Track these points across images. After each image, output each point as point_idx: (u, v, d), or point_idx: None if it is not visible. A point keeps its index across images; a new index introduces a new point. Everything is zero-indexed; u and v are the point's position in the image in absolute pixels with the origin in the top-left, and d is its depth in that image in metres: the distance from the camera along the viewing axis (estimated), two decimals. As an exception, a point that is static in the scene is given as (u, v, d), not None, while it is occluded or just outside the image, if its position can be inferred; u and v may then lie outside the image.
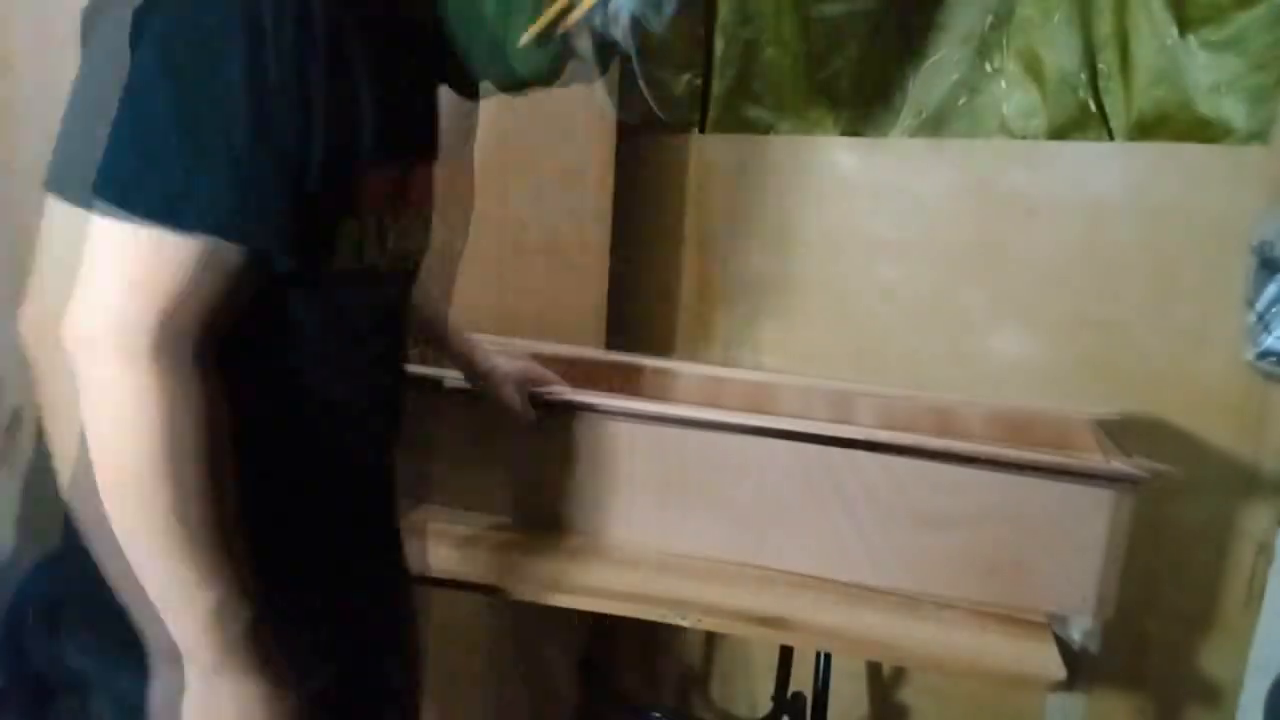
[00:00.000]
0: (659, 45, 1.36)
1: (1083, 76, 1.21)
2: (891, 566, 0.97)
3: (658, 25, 0.63)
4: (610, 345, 1.44)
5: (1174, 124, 1.19)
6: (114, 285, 0.53)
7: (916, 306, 1.32)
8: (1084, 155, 1.24)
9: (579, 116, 1.37)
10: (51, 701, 0.63)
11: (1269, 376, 1.15)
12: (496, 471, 1.06)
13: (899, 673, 1.43)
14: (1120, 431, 1.02)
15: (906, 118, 1.30)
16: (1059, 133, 1.24)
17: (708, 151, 1.39)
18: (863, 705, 1.45)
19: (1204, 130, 1.17)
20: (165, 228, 0.52)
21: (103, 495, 0.54)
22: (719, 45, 1.35)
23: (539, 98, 1.43)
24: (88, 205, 0.53)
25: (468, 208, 0.82)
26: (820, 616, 0.94)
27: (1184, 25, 1.15)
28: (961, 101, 1.27)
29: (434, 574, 1.04)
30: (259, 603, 0.58)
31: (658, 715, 1.42)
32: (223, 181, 0.53)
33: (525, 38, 0.62)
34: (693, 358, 1.41)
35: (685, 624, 0.94)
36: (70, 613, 0.61)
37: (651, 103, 0.72)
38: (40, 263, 0.59)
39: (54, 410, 0.56)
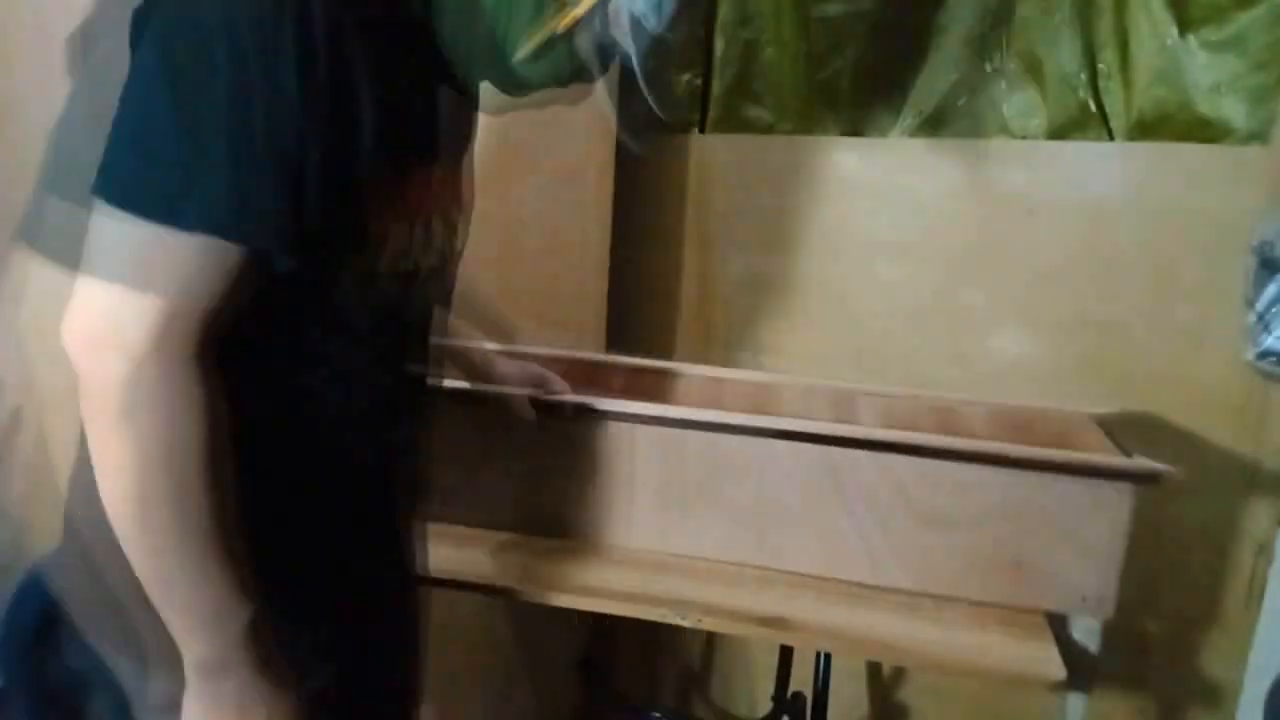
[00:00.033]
0: (659, 45, 1.35)
1: (1083, 76, 1.21)
2: (892, 566, 0.97)
3: (658, 25, 0.63)
4: (610, 345, 1.44)
5: (1174, 124, 1.19)
6: (113, 286, 0.53)
7: (916, 306, 1.32)
8: (1084, 155, 1.24)
9: (579, 116, 1.37)
10: (52, 702, 0.63)
11: (1269, 376, 1.15)
12: (496, 473, 1.06)
13: (899, 673, 1.43)
14: (1119, 430, 1.03)
15: (906, 118, 1.30)
16: (1059, 133, 1.24)
17: (708, 151, 1.39)
18: (863, 705, 1.45)
19: (1204, 130, 1.17)
20: (165, 227, 0.52)
21: (103, 495, 0.54)
22: (719, 45, 1.35)
23: (537, 97, 1.43)
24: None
25: (468, 211, 0.81)
26: (820, 616, 0.94)
27: (1184, 25, 1.15)
28: (961, 101, 1.27)
29: (434, 574, 1.04)
30: (259, 602, 0.58)
31: (658, 715, 1.41)
32: (222, 181, 0.52)
33: (529, 44, 0.61)
34: (693, 358, 1.41)
35: (685, 624, 0.94)
36: (70, 612, 0.61)
37: (652, 103, 0.71)
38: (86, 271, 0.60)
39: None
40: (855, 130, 1.32)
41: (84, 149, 0.56)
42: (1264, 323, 1.12)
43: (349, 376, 0.65)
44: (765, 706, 1.34)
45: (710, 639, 1.50)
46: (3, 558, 0.79)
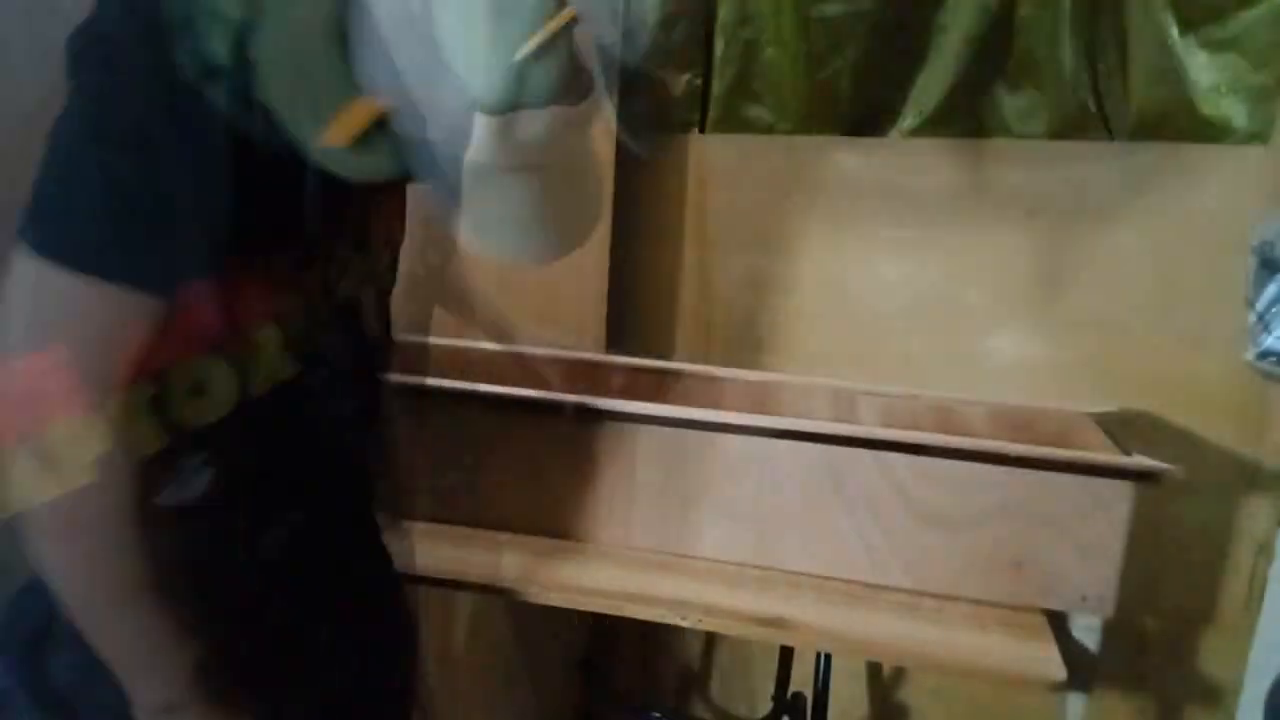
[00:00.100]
0: (659, 46, 1.36)
1: (1083, 76, 1.21)
2: (892, 566, 0.97)
3: (638, 50, 0.60)
4: (610, 346, 1.43)
5: (1174, 124, 1.19)
6: (34, 332, 0.52)
7: (916, 306, 1.32)
8: (1084, 155, 1.24)
9: (579, 116, 1.37)
10: (54, 703, 0.63)
11: (1269, 376, 1.15)
12: (497, 473, 1.06)
13: (899, 673, 1.43)
14: (1117, 429, 1.03)
15: (906, 118, 1.30)
16: (1059, 133, 1.24)
17: (708, 151, 1.39)
18: (863, 705, 1.45)
19: (1204, 130, 1.17)
20: (82, 275, 0.51)
21: (32, 543, 0.54)
22: (719, 45, 1.35)
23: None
24: None
25: (395, 242, 0.80)
26: (820, 616, 0.94)
27: (1184, 25, 1.15)
28: (961, 102, 1.27)
29: (434, 574, 1.04)
30: (207, 637, 0.57)
31: (658, 715, 1.42)
32: (137, 231, 0.52)
33: (335, 135, 0.55)
34: (693, 358, 1.41)
35: (685, 624, 0.94)
36: (58, 628, 0.61)
37: (627, 141, 0.68)
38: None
39: None
40: (855, 130, 1.32)
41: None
42: (1264, 323, 1.12)
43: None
44: (765, 706, 1.34)
45: (710, 639, 1.50)
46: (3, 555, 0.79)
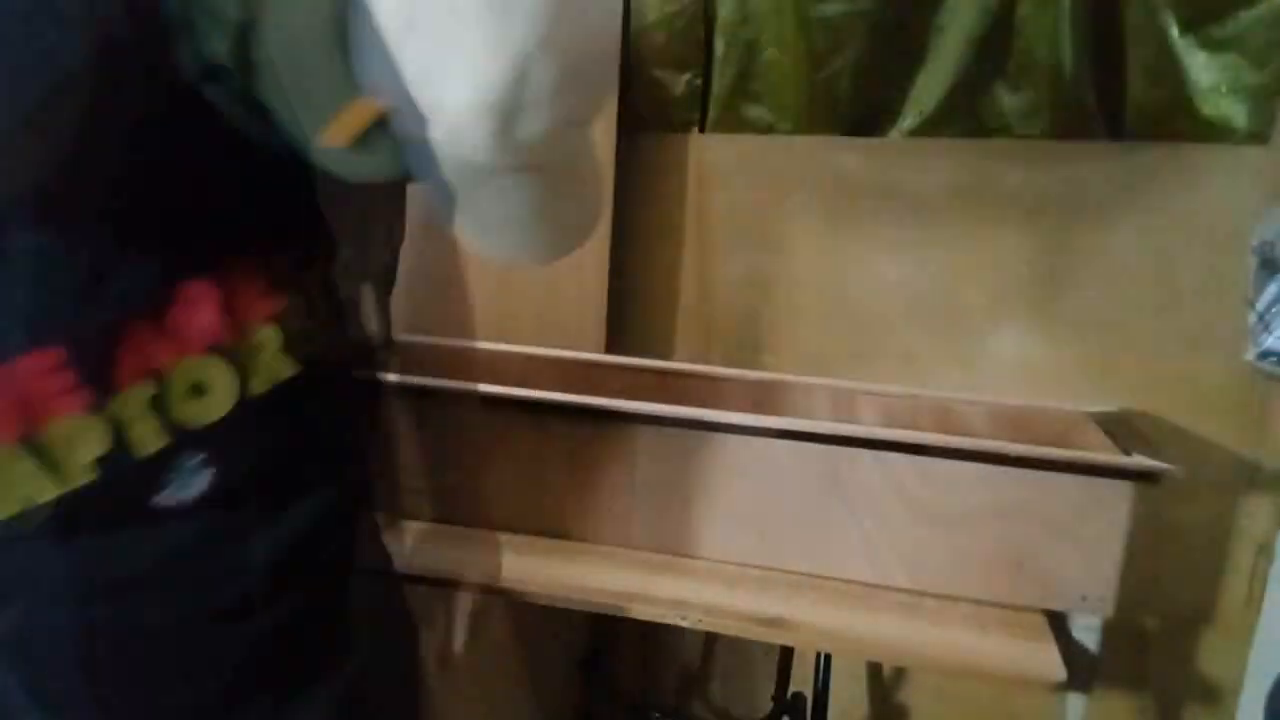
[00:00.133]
0: (661, 45, 1.36)
1: (1083, 76, 1.21)
2: (892, 566, 0.97)
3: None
4: (610, 346, 1.44)
5: (1174, 124, 1.18)
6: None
7: (916, 306, 1.32)
8: (1083, 155, 1.24)
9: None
10: None
11: (1270, 376, 1.15)
12: (497, 473, 1.06)
13: (899, 673, 1.43)
14: (1117, 429, 1.03)
15: (906, 118, 1.30)
16: (1058, 133, 1.24)
17: (708, 151, 1.39)
18: (863, 705, 1.45)
19: (1204, 130, 1.17)
20: None
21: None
22: (719, 45, 1.35)
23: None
24: None
25: (396, 243, 0.79)
26: (820, 616, 0.94)
27: (1184, 25, 1.15)
28: (961, 102, 1.27)
29: (434, 574, 1.04)
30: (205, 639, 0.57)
31: (658, 715, 1.42)
32: None
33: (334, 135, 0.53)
34: (693, 358, 1.41)
35: (685, 624, 0.94)
36: None
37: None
38: None
39: None
40: (855, 130, 1.32)
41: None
42: (1264, 323, 1.12)
43: None
44: (765, 706, 1.34)
45: (710, 639, 1.50)
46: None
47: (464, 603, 1.59)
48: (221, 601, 0.59)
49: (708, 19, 1.35)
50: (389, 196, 0.71)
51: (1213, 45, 1.15)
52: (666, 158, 1.41)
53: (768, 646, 1.37)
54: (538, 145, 0.51)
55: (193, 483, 0.58)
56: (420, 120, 0.51)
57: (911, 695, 1.43)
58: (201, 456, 0.59)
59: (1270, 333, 1.11)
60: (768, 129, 1.37)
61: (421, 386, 1.06)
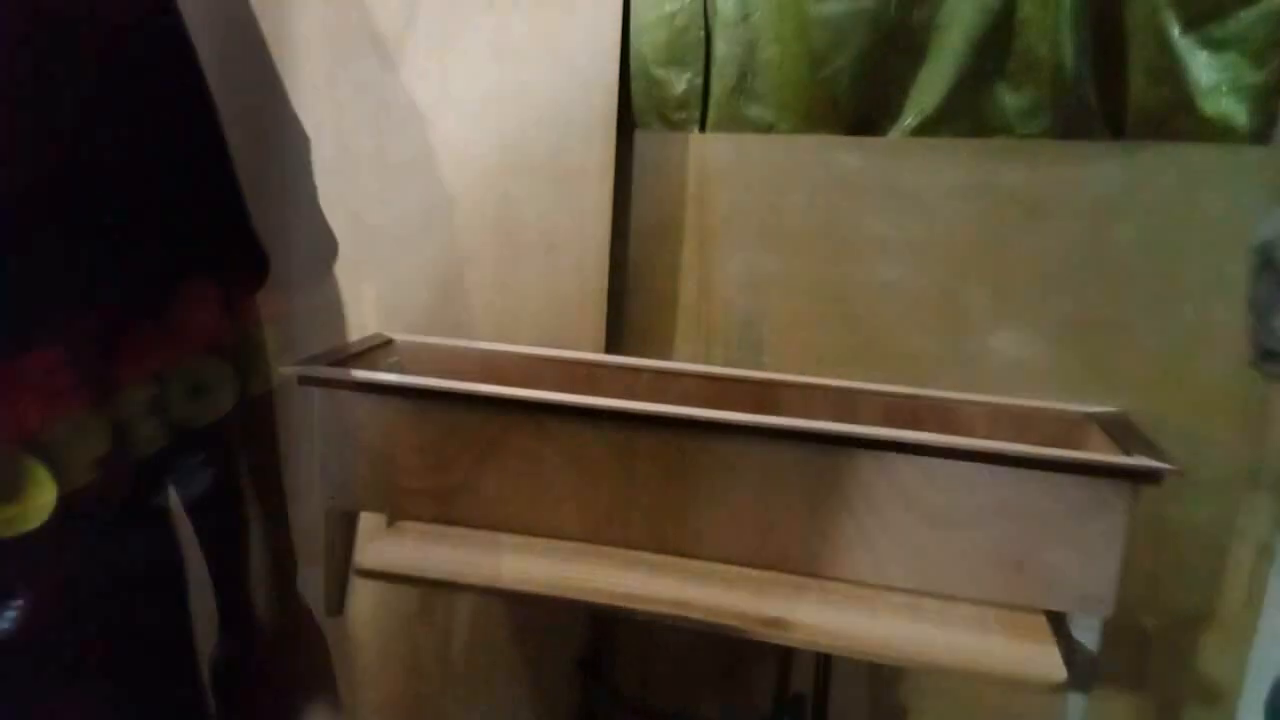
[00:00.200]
0: (661, 45, 1.36)
1: (1084, 76, 1.21)
2: (893, 566, 0.97)
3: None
4: (610, 345, 1.44)
5: (1174, 124, 1.18)
6: None
7: (917, 306, 1.32)
8: (1084, 155, 1.24)
9: (579, 116, 1.37)
10: None
11: (1269, 377, 1.15)
12: (497, 474, 1.06)
13: (899, 673, 1.43)
14: (1117, 428, 1.03)
15: (906, 118, 1.30)
16: (1059, 133, 1.24)
17: (708, 151, 1.39)
18: (863, 705, 1.44)
19: (1204, 130, 1.17)
20: None
21: None
22: (719, 45, 1.35)
23: (536, 97, 1.44)
24: None
25: None
26: (820, 617, 0.94)
27: (1185, 24, 1.15)
28: (961, 101, 1.27)
29: (435, 574, 1.04)
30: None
31: (658, 715, 1.41)
32: None
33: None
34: (693, 358, 1.41)
35: (685, 624, 0.94)
36: None
37: None
38: None
39: None
40: (855, 130, 1.32)
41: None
42: (1264, 323, 1.12)
43: None
44: (765, 706, 1.34)
45: (710, 639, 1.50)
46: None
47: (464, 603, 1.59)
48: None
49: (707, 18, 1.35)
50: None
51: (1214, 44, 1.15)
52: (666, 158, 1.41)
53: (768, 646, 1.37)
54: None
55: (194, 482, 0.58)
56: None
57: (911, 695, 1.43)
58: (202, 456, 0.59)
59: (1271, 333, 1.11)
60: (768, 129, 1.37)
61: (421, 386, 1.06)
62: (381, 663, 1.64)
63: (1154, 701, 1.31)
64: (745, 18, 1.33)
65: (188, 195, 0.56)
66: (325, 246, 1.51)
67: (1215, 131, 1.17)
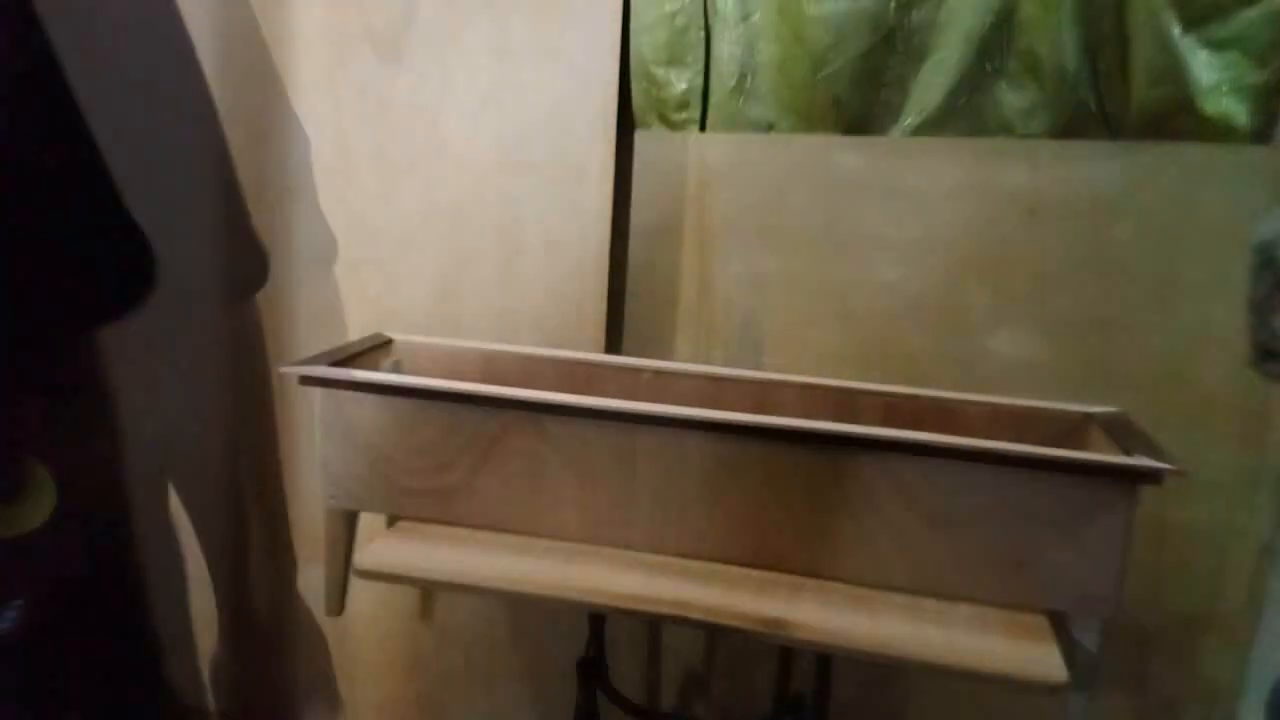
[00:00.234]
0: (660, 45, 1.36)
1: (1083, 76, 1.21)
2: (893, 566, 0.97)
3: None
4: (610, 346, 1.44)
5: (1174, 124, 1.18)
6: None
7: (917, 306, 1.32)
8: (1084, 155, 1.24)
9: (579, 116, 1.37)
10: None
11: (1270, 377, 1.15)
12: (496, 473, 1.06)
13: (899, 673, 1.43)
14: (1117, 428, 1.03)
15: (906, 117, 1.30)
16: (1059, 133, 1.24)
17: (708, 151, 1.39)
18: (863, 705, 1.44)
19: (1204, 130, 1.17)
20: None
21: None
22: (719, 45, 1.35)
23: (536, 97, 1.44)
24: None
25: None
26: (820, 617, 0.93)
27: (1185, 24, 1.15)
28: (961, 101, 1.27)
29: (435, 574, 1.04)
30: None
31: (658, 715, 1.41)
32: None
33: None
34: (693, 358, 1.41)
35: (685, 624, 0.94)
36: None
37: None
38: None
39: None
40: (855, 129, 1.32)
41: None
42: (1264, 323, 1.12)
43: None
44: (765, 706, 1.34)
45: (710, 639, 1.50)
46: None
47: (464, 603, 1.59)
48: None
49: (707, 18, 1.35)
50: None
51: (1214, 44, 1.15)
52: (666, 158, 1.41)
53: (768, 646, 1.37)
54: None
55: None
56: None
57: (911, 695, 1.43)
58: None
59: (1271, 333, 1.11)
60: (768, 129, 1.36)
61: (421, 387, 1.06)
62: (381, 663, 1.64)
63: (1154, 701, 1.31)
64: (745, 18, 1.33)
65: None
66: (325, 246, 1.51)
67: (1215, 131, 1.17)
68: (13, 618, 0.55)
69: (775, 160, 1.36)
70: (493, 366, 1.27)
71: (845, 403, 1.16)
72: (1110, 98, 1.21)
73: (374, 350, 1.26)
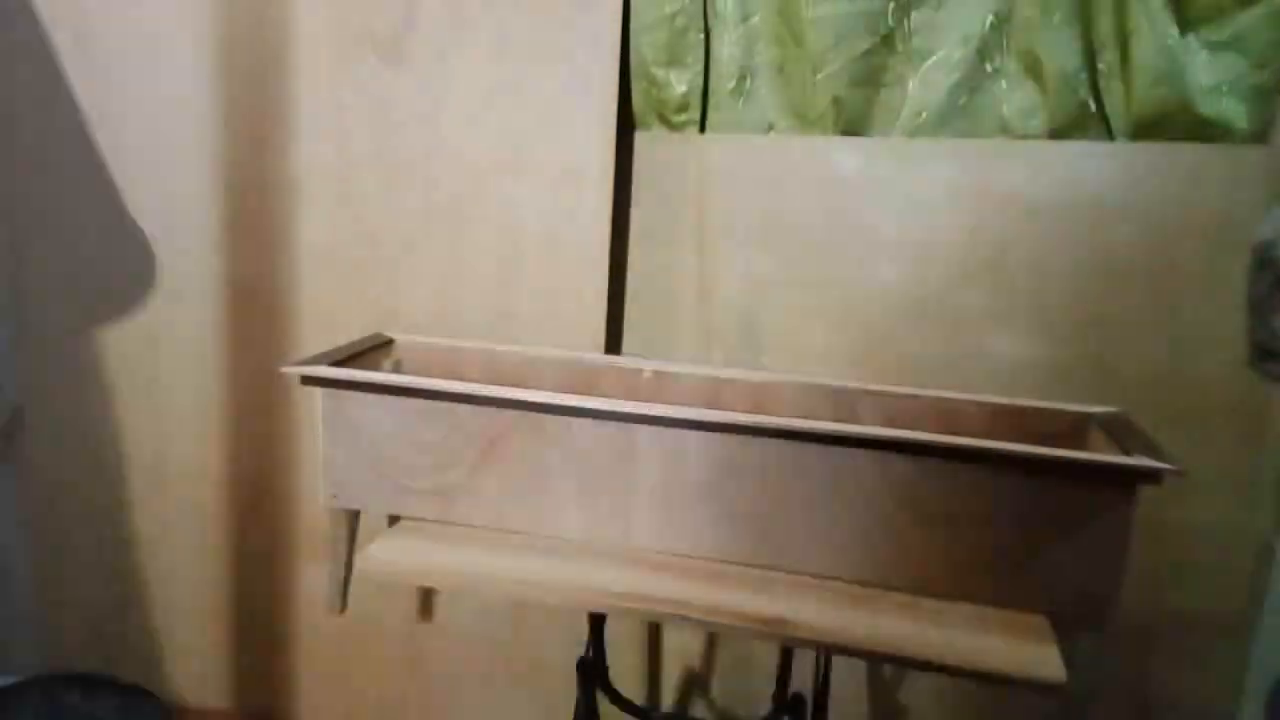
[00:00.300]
0: (661, 45, 1.36)
1: (1083, 76, 1.21)
2: (892, 566, 0.97)
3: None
4: (610, 346, 1.44)
5: (1174, 124, 1.19)
6: None
7: (916, 306, 1.32)
8: (1084, 155, 1.24)
9: (579, 116, 1.37)
10: None
11: (1269, 377, 1.15)
12: (496, 473, 1.06)
13: (899, 673, 1.43)
14: (1117, 428, 1.03)
15: (906, 118, 1.30)
16: (1059, 133, 1.24)
17: (707, 152, 1.39)
18: (863, 705, 1.45)
19: (1204, 130, 1.17)
20: None
21: None
22: (719, 46, 1.35)
23: (536, 97, 1.44)
24: None
25: None
26: (820, 617, 0.94)
27: (1184, 25, 1.15)
28: (961, 101, 1.27)
29: (435, 574, 1.04)
30: None
31: (658, 715, 1.41)
32: None
33: None
34: (693, 358, 1.41)
35: (685, 624, 0.94)
36: None
37: None
38: None
39: None
40: (855, 130, 1.32)
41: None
42: (1263, 323, 1.12)
43: None
44: (765, 706, 1.34)
45: (710, 639, 1.50)
46: (3, 557, 0.78)
47: (464, 603, 1.59)
48: None
49: (707, 19, 1.35)
50: None
51: (1213, 45, 1.15)
52: (666, 158, 1.41)
53: (768, 646, 1.37)
54: None
55: None
56: None
57: (911, 695, 1.43)
58: None
59: (1270, 333, 1.11)
60: (767, 129, 1.37)
61: (421, 387, 1.06)
62: (381, 663, 1.64)
63: (1154, 701, 1.31)
64: (745, 19, 1.33)
65: None
66: (326, 247, 1.51)
67: (1215, 131, 1.17)
68: None
69: (775, 160, 1.36)
70: (493, 366, 1.27)
71: (845, 403, 1.16)
72: (1110, 98, 1.21)
73: (375, 350, 1.27)
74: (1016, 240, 1.27)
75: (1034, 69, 1.23)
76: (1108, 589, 0.92)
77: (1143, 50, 1.18)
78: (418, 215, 1.46)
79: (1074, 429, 1.09)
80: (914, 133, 1.29)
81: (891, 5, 1.26)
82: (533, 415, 1.03)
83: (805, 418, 0.99)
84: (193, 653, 1.71)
